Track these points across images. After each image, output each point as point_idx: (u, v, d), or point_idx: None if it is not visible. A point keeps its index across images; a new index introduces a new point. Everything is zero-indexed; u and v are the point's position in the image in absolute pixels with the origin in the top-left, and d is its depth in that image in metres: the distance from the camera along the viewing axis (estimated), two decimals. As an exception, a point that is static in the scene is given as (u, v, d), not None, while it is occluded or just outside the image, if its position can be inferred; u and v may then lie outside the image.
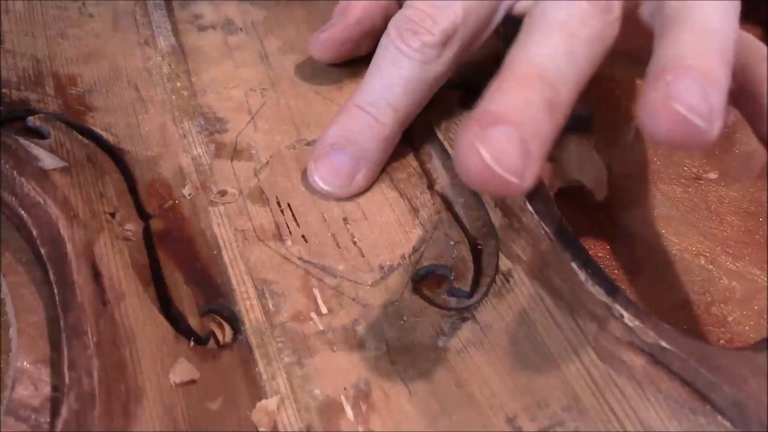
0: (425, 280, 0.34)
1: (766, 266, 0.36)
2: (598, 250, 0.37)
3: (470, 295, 0.33)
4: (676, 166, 0.40)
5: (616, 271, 0.36)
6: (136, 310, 0.29)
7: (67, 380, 0.25)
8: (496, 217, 0.34)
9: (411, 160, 0.38)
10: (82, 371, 0.25)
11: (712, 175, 0.40)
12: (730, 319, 0.34)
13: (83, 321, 0.27)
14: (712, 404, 0.28)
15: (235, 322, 0.31)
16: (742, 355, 0.30)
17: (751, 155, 0.41)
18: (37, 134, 0.35)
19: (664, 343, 0.29)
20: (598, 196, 0.37)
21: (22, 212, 0.30)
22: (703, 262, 0.36)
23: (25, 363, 0.28)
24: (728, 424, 0.28)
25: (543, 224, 0.33)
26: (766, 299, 0.35)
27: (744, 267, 0.36)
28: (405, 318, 0.32)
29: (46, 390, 0.27)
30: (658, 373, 0.29)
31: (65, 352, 0.26)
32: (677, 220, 0.38)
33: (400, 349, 0.31)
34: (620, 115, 0.43)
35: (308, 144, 0.39)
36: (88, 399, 0.25)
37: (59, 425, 0.24)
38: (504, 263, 0.33)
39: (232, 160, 0.37)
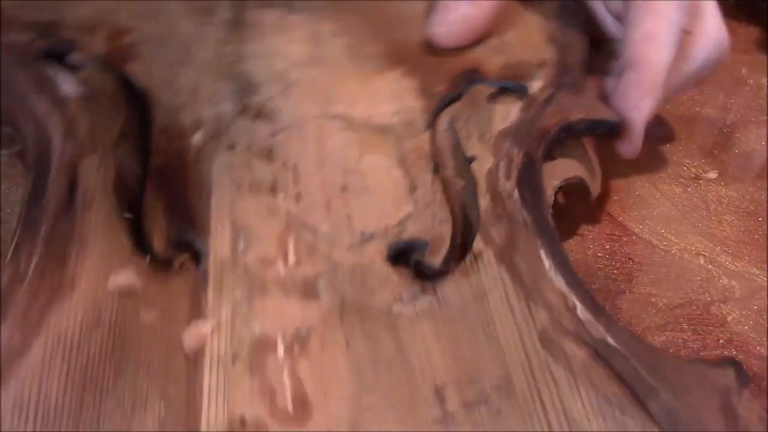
0: (401, 252, 0.34)
1: (765, 266, 0.35)
2: (598, 250, 0.36)
3: (439, 270, 0.33)
4: (676, 165, 0.40)
5: (615, 271, 0.35)
6: (100, 219, 0.30)
7: (7, 259, 0.27)
8: (484, 201, 0.34)
9: (426, 144, 0.38)
10: (23, 253, 0.27)
11: (712, 175, 0.40)
12: (729, 318, 0.33)
13: (42, 215, 0.29)
14: (646, 409, 0.27)
15: (200, 255, 0.32)
16: (695, 368, 0.28)
17: (750, 155, 0.41)
18: (73, 69, 0.38)
19: (610, 340, 0.28)
20: (592, 192, 0.37)
21: (26, 123, 0.32)
22: (702, 261, 0.36)
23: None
24: (656, 430, 0.26)
25: (524, 211, 0.33)
26: (766, 299, 0.34)
27: (743, 266, 0.36)
28: (369, 281, 0.32)
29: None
30: (596, 369, 0.28)
31: (16, 237, 0.28)
32: (677, 220, 0.38)
33: (353, 308, 0.31)
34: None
35: (333, 117, 0.40)
36: (19, 277, 0.27)
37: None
38: (478, 245, 0.33)
39: (253, 120, 0.39)
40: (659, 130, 0.41)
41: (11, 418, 0.24)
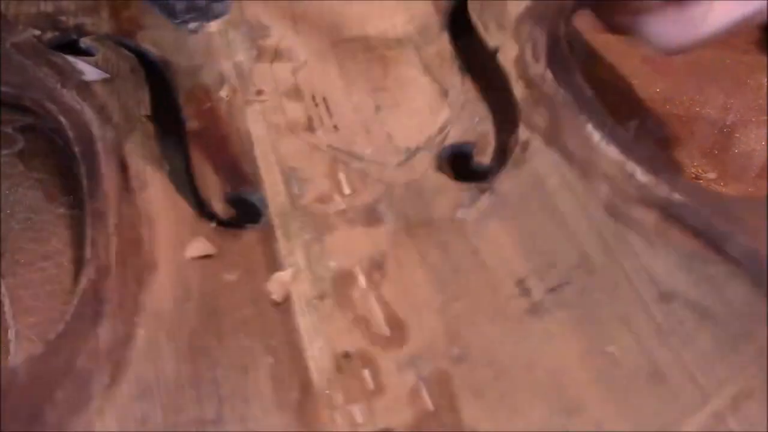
0: (450, 159, 0.34)
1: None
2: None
3: (491, 168, 0.33)
4: (676, 165, 0.40)
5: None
6: (159, 196, 0.31)
7: (88, 256, 0.28)
8: (518, 89, 0.34)
9: (447, 45, 0.38)
10: (100, 248, 0.28)
11: (711, 175, 0.40)
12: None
13: (106, 206, 0.29)
14: (726, 255, 0.27)
15: (260, 208, 0.33)
16: (761, 204, 0.29)
17: (749, 155, 0.41)
18: (87, 54, 0.38)
19: (677, 196, 0.29)
20: None
21: (62, 118, 0.33)
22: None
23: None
24: (741, 273, 0.27)
25: (561, 90, 0.33)
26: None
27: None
28: (426, 194, 0.33)
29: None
30: (669, 227, 0.28)
31: (89, 234, 0.28)
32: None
33: (419, 223, 0.32)
34: (620, 113, 0.42)
35: (349, 41, 0.40)
36: (104, 270, 0.28)
37: (78, 294, 0.27)
38: (523, 133, 0.33)
39: (272, 63, 0.39)
40: (659, 130, 0.41)
41: (139, 405, 0.25)
